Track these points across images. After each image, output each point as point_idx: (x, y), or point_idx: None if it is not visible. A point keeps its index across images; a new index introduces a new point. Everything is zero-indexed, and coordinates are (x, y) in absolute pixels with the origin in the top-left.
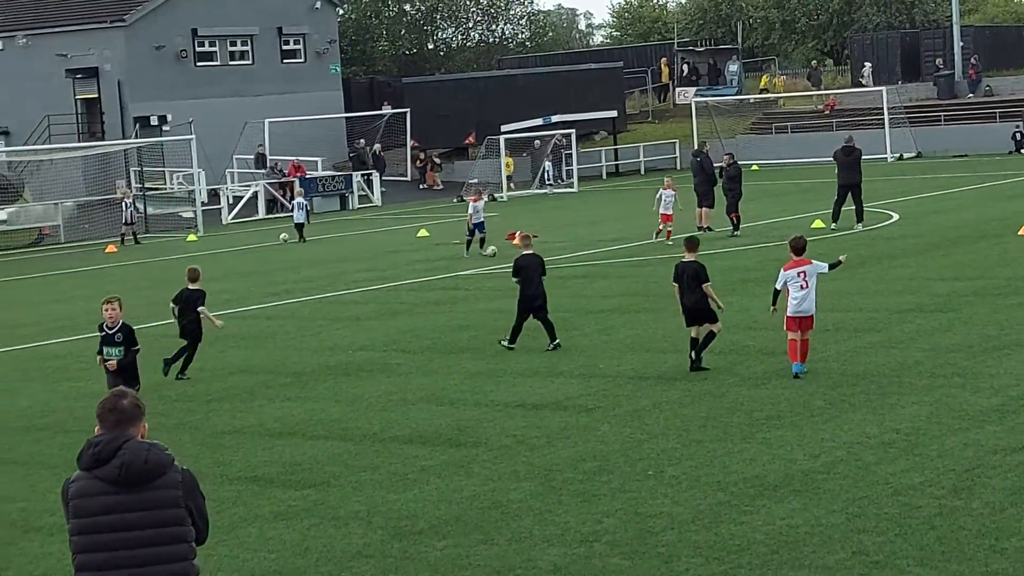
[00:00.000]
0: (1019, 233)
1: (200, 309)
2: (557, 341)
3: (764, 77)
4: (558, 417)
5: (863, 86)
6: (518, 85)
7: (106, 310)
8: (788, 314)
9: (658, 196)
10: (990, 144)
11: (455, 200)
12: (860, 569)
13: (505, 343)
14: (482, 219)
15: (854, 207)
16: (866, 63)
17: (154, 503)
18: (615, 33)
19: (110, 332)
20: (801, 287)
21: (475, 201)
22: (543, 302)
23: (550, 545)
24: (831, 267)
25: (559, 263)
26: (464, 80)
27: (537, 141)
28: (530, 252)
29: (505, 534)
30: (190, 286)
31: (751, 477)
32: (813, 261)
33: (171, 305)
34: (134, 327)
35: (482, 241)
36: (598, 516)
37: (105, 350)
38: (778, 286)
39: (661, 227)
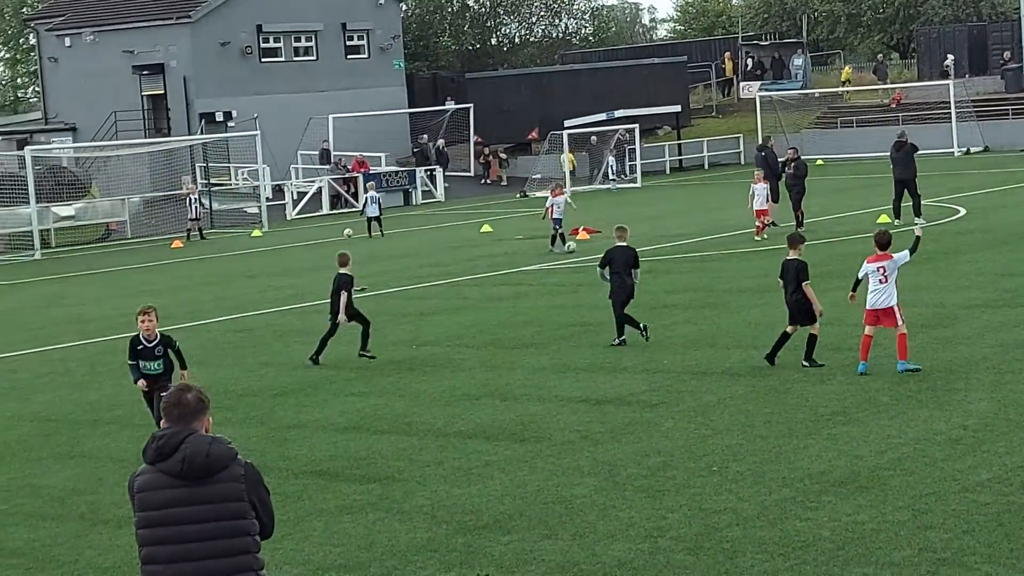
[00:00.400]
0: None
1: (342, 295)
2: (624, 338)
3: (847, 69)
4: (622, 412)
5: (947, 77)
6: (581, 80)
7: (142, 321)
8: (866, 307)
9: (751, 192)
10: None
11: (518, 196)
12: (927, 566)
13: (615, 342)
14: (561, 215)
15: (911, 202)
16: (949, 55)
17: (217, 496)
18: (679, 27)
19: (149, 345)
20: (880, 281)
21: (556, 196)
22: (626, 296)
23: (614, 540)
24: (911, 251)
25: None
26: (527, 75)
27: (593, 137)
28: (623, 244)
29: (569, 529)
30: (340, 270)
31: (816, 473)
32: (894, 255)
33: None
34: (179, 332)
35: (562, 237)
36: (662, 512)
37: (143, 364)
38: (860, 275)
39: (759, 222)
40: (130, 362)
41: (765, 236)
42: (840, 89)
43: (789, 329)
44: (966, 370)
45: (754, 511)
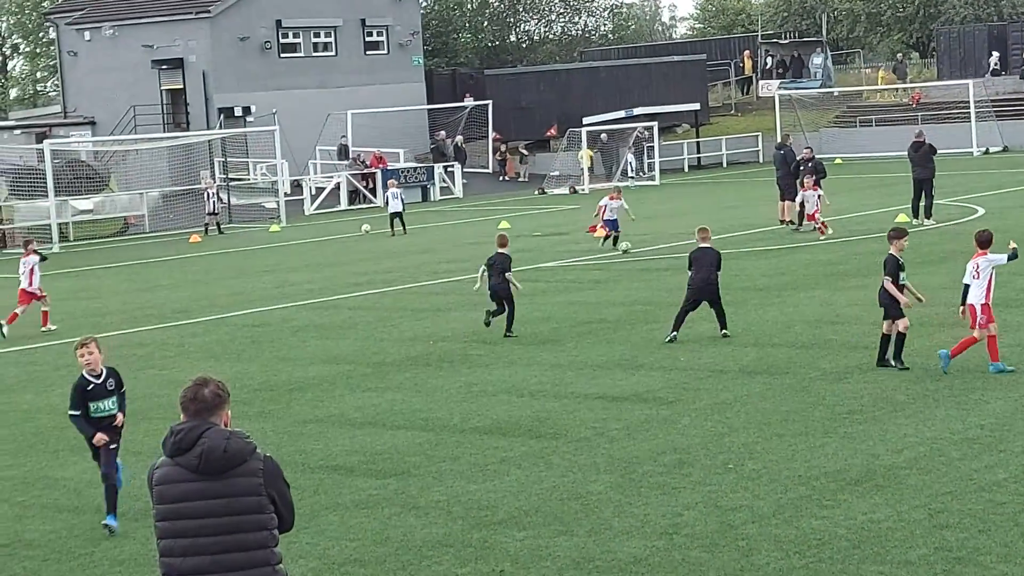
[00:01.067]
0: None
1: (507, 275)
2: (726, 331)
3: (881, 71)
4: (638, 409)
5: (997, 74)
6: (600, 77)
7: (83, 356)
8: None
9: (800, 199)
10: None
11: (537, 192)
12: (943, 565)
13: (668, 338)
14: (615, 216)
15: (925, 202)
16: (993, 52)
17: (234, 491)
18: (698, 25)
19: (99, 382)
20: (973, 277)
21: (612, 200)
22: (710, 292)
23: (630, 537)
24: (1009, 258)
25: (641, 255)
26: (546, 72)
27: (604, 135)
28: (707, 245)
29: (585, 526)
30: (499, 250)
31: (832, 472)
32: (989, 253)
33: (482, 268)
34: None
35: (616, 239)
36: (678, 509)
37: (96, 407)
38: (965, 280)
39: (816, 226)
40: (73, 413)
41: (829, 231)
42: (858, 88)
43: (884, 328)
44: (983, 369)
45: (770, 509)
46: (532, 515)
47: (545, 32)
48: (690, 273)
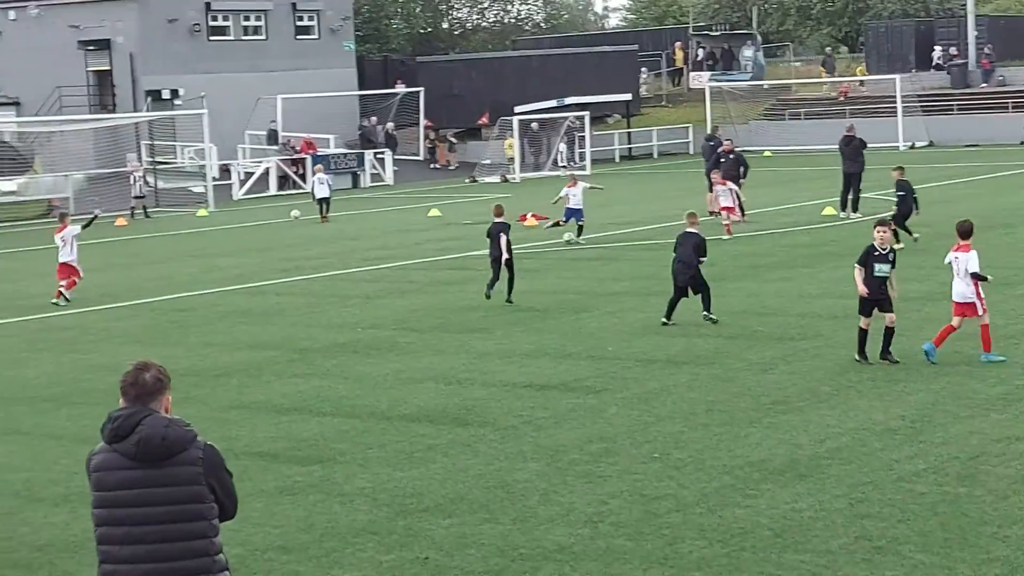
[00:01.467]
0: None
1: (503, 236)
2: (712, 316)
3: (860, 68)
4: (566, 398)
5: (940, 68)
6: (532, 66)
7: None
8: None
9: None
10: (1002, 134)
11: (468, 181)
12: (862, 554)
13: (710, 317)
14: (580, 206)
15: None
16: (936, 46)
17: (173, 480)
18: (630, 16)
19: None
20: (956, 272)
21: (571, 187)
22: (689, 278)
23: (555, 525)
24: (977, 277)
25: (572, 245)
26: (478, 60)
27: (535, 124)
28: (692, 230)
29: (510, 514)
30: (496, 219)
31: (756, 461)
32: (972, 252)
33: (488, 238)
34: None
35: (580, 229)
36: (603, 497)
37: None
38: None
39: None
40: None
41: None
42: (788, 81)
43: (862, 323)
44: (906, 361)
45: (694, 498)
46: (458, 503)
47: (478, 20)
48: (674, 256)
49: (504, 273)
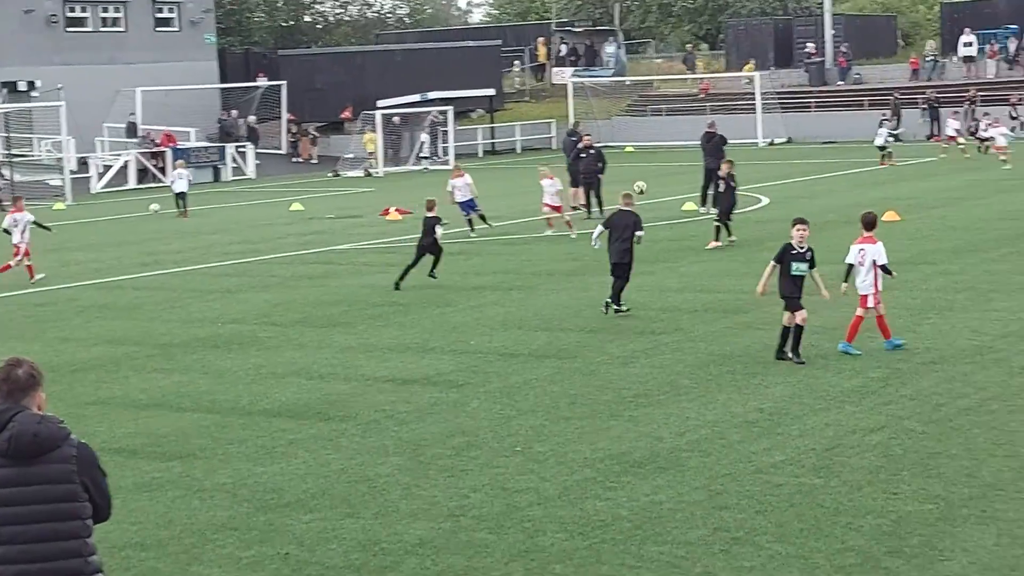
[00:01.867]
0: (883, 219)
1: (437, 228)
2: (614, 306)
3: (749, 65)
4: (428, 393)
5: (813, 64)
6: (395, 61)
7: None
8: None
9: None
10: (859, 131)
11: (330, 175)
12: (720, 545)
13: (612, 307)
14: (468, 197)
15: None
16: (808, 43)
17: (45, 478)
18: (493, 11)
19: None
20: (859, 263)
21: (455, 178)
22: (624, 263)
23: (416, 519)
24: (884, 269)
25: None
26: (341, 54)
27: (396, 119)
28: (627, 208)
29: (372, 508)
30: (427, 214)
31: (617, 454)
32: (879, 244)
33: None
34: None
35: (481, 218)
36: (465, 491)
37: None
38: (848, 260)
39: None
40: None
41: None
42: (650, 77)
43: (785, 320)
44: (765, 355)
45: (556, 491)
46: (319, 498)
47: (340, 14)
48: (595, 233)
49: (430, 259)
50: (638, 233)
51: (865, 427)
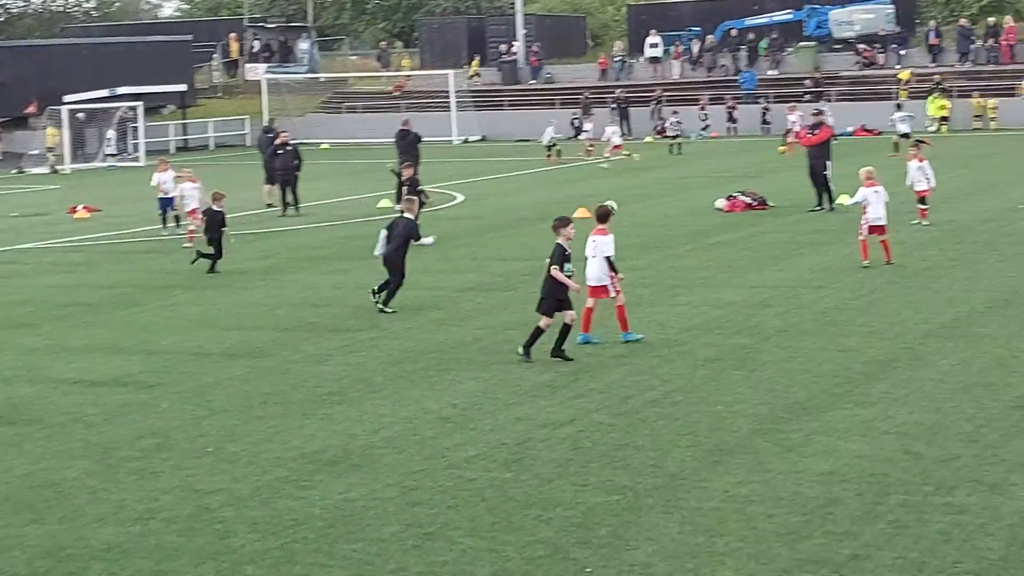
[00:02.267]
0: (575, 215)
1: (224, 229)
2: (382, 307)
3: (475, 62)
4: (117, 394)
5: (506, 62)
6: (83, 55)
7: None
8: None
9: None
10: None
11: (14, 172)
12: (413, 541)
13: (379, 304)
14: (167, 195)
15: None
16: (513, 43)
17: None
18: (184, 6)
19: None
20: (592, 255)
21: (161, 172)
22: (393, 265)
23: (104, 524)
24: (609, 262)
25: (122, 237)
26: (24, 47)
27: (80, 114)
28: (407, 216)
29: (57, 513)
30: (214, 206)
31: (311, 453)
32: (610, 236)
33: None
34: None
35: (176, 219)
36: (155, 494)
37: None
38: (586, 252)
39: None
40: None
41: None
42: (345, 75)
43: (543, 323)
44: (458, 351)
45: (248, 491)
46: (2, 504)
47: (24, 7)
48: (380, 235)
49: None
50: (418, 241)
51: (556, 421)
